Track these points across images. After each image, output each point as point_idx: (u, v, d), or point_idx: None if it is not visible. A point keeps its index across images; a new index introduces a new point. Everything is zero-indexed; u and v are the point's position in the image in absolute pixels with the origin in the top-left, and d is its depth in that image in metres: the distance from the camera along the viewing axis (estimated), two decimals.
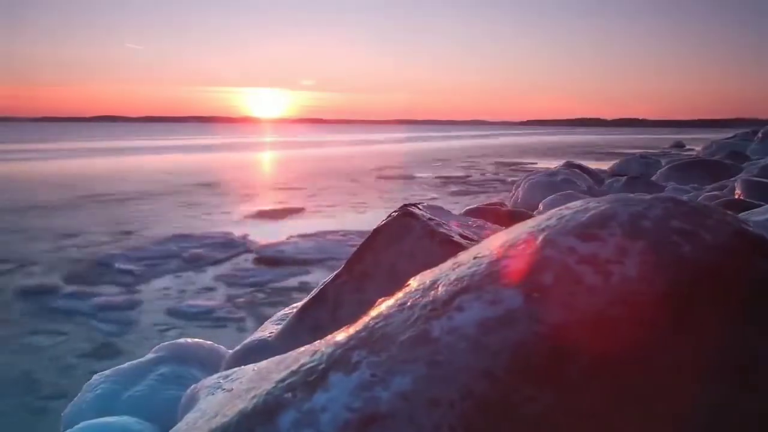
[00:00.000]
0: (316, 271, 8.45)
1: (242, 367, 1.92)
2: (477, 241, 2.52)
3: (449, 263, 1.22)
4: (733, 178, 15.73)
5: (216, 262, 9.13)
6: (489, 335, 0.95)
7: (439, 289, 1.09)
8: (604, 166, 22.91)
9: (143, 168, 27.81)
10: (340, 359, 1.00)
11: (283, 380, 1.02)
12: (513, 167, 28.42)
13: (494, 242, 1.21)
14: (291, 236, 10.41)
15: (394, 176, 23.36)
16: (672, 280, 0.99)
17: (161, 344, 4.49)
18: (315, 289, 3.45)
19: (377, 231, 2.43)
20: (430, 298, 1.07)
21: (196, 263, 9.08)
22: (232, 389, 1.77)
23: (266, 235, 10.85)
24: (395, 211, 2.50)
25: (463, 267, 1.14)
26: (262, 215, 13.77)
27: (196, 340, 4.57)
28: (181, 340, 4.55)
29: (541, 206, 11.40)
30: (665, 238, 1.05)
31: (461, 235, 2.36)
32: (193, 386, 2.10)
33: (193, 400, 1.87)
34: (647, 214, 1.10)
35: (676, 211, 1.12)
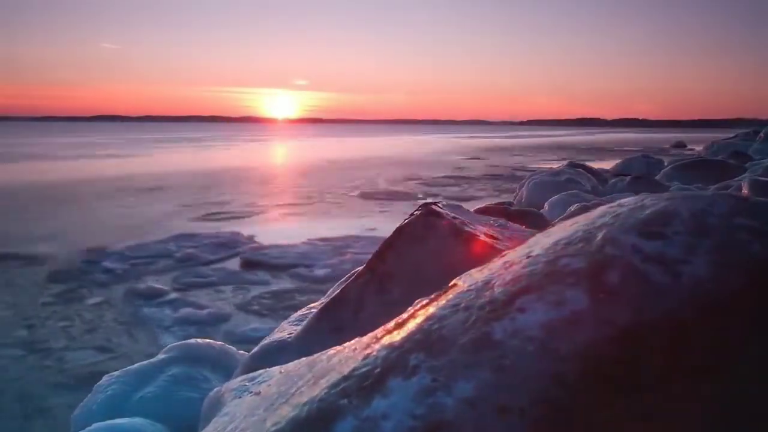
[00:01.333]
0: (308, 274, 8.30)
1: (267, 369, 1.87)
2: (501, 240, 2.47)
3: (499, 262, 1.17)
4: (737, 178, 15.70)
5: (206, 264, 9.04)
6: (556, 338, 0.90)
7: (495, 289, 1.04)
8: (606, 165, 22.87)
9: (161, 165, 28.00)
10: (396, 363, 0.95)
11: (335, 385, 0.97)
12: (513, 167, 28.39)
13: (546, 240, 1.16)
14: (293, 240, 10.32)
15: (388, 180, 23.30)
16: (745, 280, 0.94)
17: (171, 344, 4.43)
18: (331, 289, 3.40)
19: (400, 230, 2.39)
20: (487, 299, 1.02)
21: (187, 263, 9.00)
22: (260, 392, 1.72)
23: (264, 237, 10.73)
24: (417, 210, 2.45)
25: (516, 266, 1.09)
26: (263, 217, 13.72)
27: (207, 340, 4.52)
28: (192, 340, 4.50)
29: (546, 206, 11.35)
30: (732, 235, 1.01)
31: (487, 234, 2.31)
32: (215, 389, 2.05)
33: (218, 404, 1.82)
34: (711, 211, 1.05)
35: (740, 207, 1.07)
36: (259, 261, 8.87)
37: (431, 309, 1.09)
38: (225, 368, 4.34)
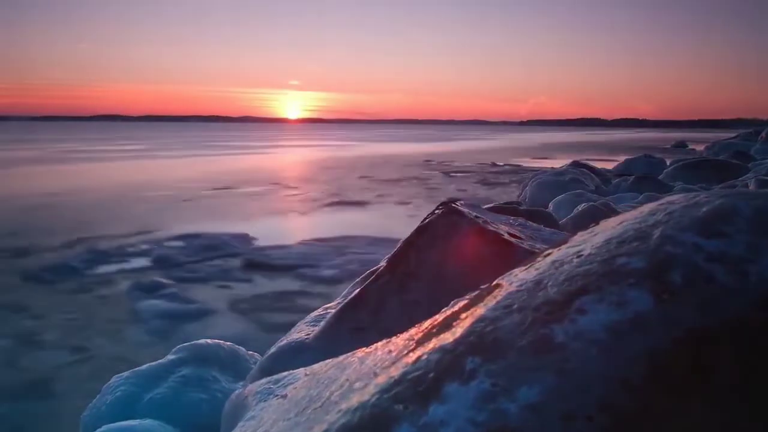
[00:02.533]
0: (307, 277, 8.23)
1: (291, 371, 1.83)
2: (524, 240, 2.43)
3: (546, 262, 1.13)
4: (741, 178, 15.67)
5: (202, 263, 8.98)
6: (621, 341, 0.86)
7: (549, 290, 1.00)
8: (607, 165, 22.82)
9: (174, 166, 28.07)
10: (451, 367, 0.91)
11: (386, 390, 0.93)
12: (514, 167, 28.33)
13: (595, 239, 1.12)
14: (297, 240, 10.25)
15: (392, 178, 23.25)
16: None
17: (181, 345, 4.39)
18: (347, 289, 3.36)
19: (421, 229, 2.34)
20: (542, 300, 0.98)
21: (184, 262, 8.94)
22: (286, 395, 1.68)
23: (266, 238, 10.65)
24: (438, 209, 2.41)
25: (568, 266, 1.05)
26: (269, 218, 13.66)
27: (216, 340, 4.47)
28: (201, 341, 4.46)
29: (551, 206, 11.32)
30: None
31: (509, 234, 2.27)
32: (236, 392, 2.00)
33: (241, 407, 1.78)
34: None
35: None
36: (263, 261, 8.86)
37: (481, 310, 1.05)
38: (235, 369, 4.30)
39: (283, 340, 2.67)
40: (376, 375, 1.18)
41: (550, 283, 1.02)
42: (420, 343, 1.17)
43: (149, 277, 8.14)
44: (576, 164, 18.16)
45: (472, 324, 1.00)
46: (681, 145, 51.00)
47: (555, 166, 21.03)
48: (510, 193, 18.09)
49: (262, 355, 4.59)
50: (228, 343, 4.50)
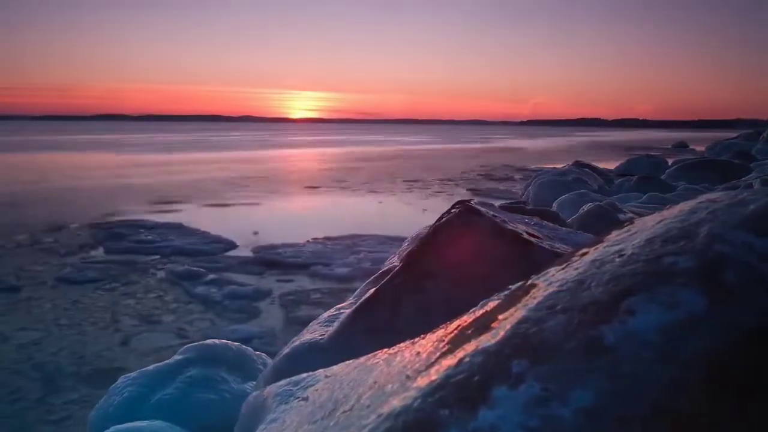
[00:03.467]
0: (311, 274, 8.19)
1: (311, 373, 1.79)
2: (543, 239, 2.40)
3: (585, 261, 1.10)
4: (744, 178, 15.64)
5: (204, 260, 8.95)
6: (675, 343, 0.83)
7: (593, 290, 0.97)
8: (608, 165, 22.79)
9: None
10: (497, 370, 0.88)
11: (429, 394, 0.90)
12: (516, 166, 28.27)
13: (636, 238, 1.09)
14: (305, 239, 10.22)
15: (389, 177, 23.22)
16: None
17: (188, 345, 4.36)
18: (359, 289, 3.33)
19: (438, 229, 2.31)
20: (587, 300, 0.95)
21: (188, 260, 8.90)
22: (308, 397, 1.65)
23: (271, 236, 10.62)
24: (455, 208, 2.37)
25: (611, 265, 1.02)
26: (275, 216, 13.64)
27: (224, 341, 4.44)
28: (209, 341, 4.42)
29: (555, 205, 11.27)
30: None
31: (528, 233, 2.24)
32: (254, 393, 1.96)
33: (261, 409, 1.74)
34: None
35: None
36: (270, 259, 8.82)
37: (521, 311, 1.02)
38: (243, 369, 4.26)
39: (297, 341, 2.64)
40: (408, 378, 1.15)
41: (593, 283, 0.99)
42: (454, 344, 1.14)
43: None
44: (578, 164, 18.13)
45: (515, 325, 0.97)
46: (681, 145, 50.98)
47: (557, 166, 21.00)
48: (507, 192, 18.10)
49: (269, 356, 4.56)
50: (235, 343, 4.46)
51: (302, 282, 7.94)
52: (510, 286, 1.45)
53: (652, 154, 23.70)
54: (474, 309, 1.45)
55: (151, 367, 4.16)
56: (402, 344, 1.69)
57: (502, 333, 0.97)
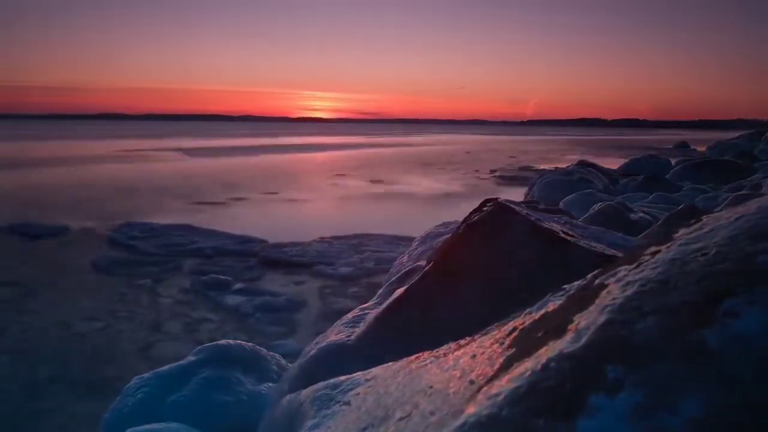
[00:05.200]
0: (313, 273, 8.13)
1: (350, 376, 1.74)
2: (578, 238, 2.34)
3: (661, 260, 1.04)
4: (749, 178, 15.59)
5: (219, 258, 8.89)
6: None
7: (682, 290, 0.91)
8: (611, 165, 22.70)
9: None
10: (590, 376, 0.82)
11: (516, 401, 0.84)
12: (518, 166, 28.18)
13: (715, 236, 1.03)
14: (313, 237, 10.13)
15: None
16: None
17: (201, 346, 4.29)
18: (382, 288, 3.27)
19: (471, 227, 2.25)
20: (678, 302, 0.89)
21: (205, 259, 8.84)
22: (350, 402, 1.59)
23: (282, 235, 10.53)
24: (487, 206, 2.32)
25: (695, 264, 0.96)
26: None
27: (238, 341, 4.37)
28: (222, 341, 4.36)
29: (561, 205, 11.22)
30: None
31: (564, 232, 2.18)
32: (288, 397, 1.90)
33: (298, 414, 1.68)
34: None
35: None
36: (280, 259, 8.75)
37: (600, 313, 0.96)
38: (257, 370, 4.20)
39: (323, 342, 2.58)
40: (473, 383, 1.09)
41: (680, 283, 0.93)
42: (521, 347, 1.08)
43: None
44: (583, 164, 18.07)
45: (601, 328, 0.91)
46: (683, 145, 50.87)
47: (560, 166, 20.92)
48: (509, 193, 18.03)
49: (282, 357, 4.50)
50: (249, 343, 4.40)
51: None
52: (565, 286, 1.39)
53: (654, 154, 23.63)
54: (529, 310, 1.40)
55: (164, 367, 4.09)
56: (445, 347, 1.63)
57: (586, 336, 0.91)
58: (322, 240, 9.90)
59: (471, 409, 0.92)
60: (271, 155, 37.29)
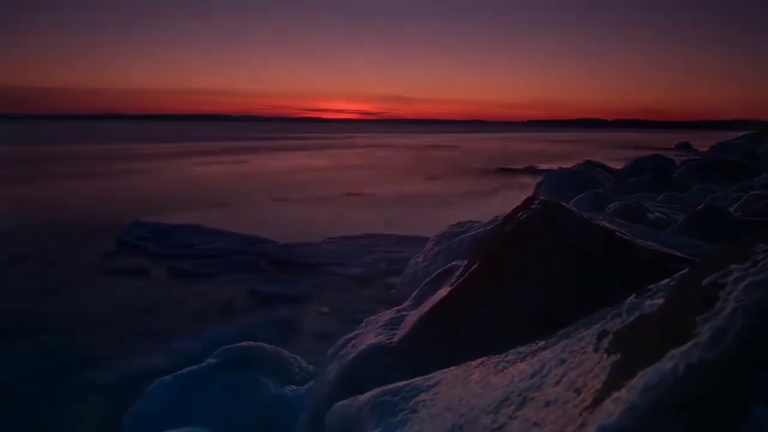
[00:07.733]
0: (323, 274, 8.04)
1: (408, 382, 1.66)
2: (631, 237, 2.27)
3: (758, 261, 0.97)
4: (757, 179, 15.52)
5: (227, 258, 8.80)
6: None
7: None
8: (614, 164, 22.62)
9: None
10: (742, 385, 0.75)
11: (651, 409, 0.77)
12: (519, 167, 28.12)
13: None
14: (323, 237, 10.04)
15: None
16: None
17: (223, 348, 4.21)
18: (419, 289, 3.19)
19: (520, 225, 2.17)
20: None
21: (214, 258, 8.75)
22: (416, 410, 1.51)
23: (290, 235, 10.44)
24: (534, 204, 2.24)
25: None
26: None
27: (260, 343, 4.30)
28: (244, 343, 4.28)
29: (571, 204, 11.16)
30: None
31: (618, 231, 2.10)
32: (341, 403, 1.82)
33: (357, 422, 1.60)
34: None
35: None
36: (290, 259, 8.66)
37: (743, 317, 0.88)
38: (280, 372, 4.12)
39: (361, 345, 2.50)
40: (578, 391, 1.02)
41: None
42: (629, 353, 1.01)
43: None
44: (589, 163, 17.99)
45: (738, 333, 0.84)
46: (685, 145, 50.78)
47: (564, 166, 20.83)
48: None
49: (304, 359, 4.41)
50: (271, 345, 4.32)
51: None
52: (650, 286, 1.31)
53: (660, 154, 23.56)
54: (613, 310, 1.32)
55: (185, 370, 4.01)
56: (515, 350, 1.55)
57: (726, 342, 0.83)
58: (331, 240, 9.82)
59: (599, 422, 0.84)
60: (272, 155, 37.20)
